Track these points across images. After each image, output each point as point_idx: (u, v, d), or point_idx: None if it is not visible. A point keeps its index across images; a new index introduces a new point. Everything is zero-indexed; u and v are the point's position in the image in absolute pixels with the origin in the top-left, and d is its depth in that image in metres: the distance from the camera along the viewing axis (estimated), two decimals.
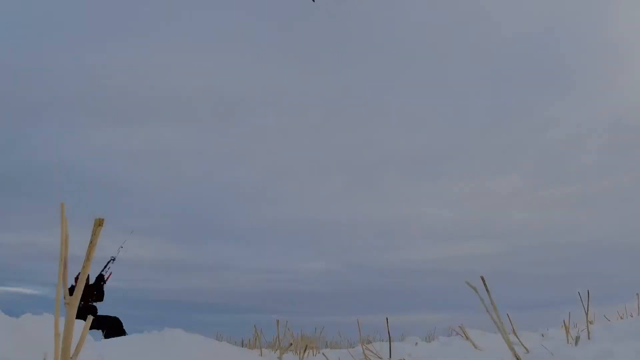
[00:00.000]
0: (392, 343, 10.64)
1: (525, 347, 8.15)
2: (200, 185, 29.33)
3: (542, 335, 11.02)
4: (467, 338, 10.26)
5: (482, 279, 6.25)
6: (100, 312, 9.99)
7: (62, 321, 3.57)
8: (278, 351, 11.24)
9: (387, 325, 10.62)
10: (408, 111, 28.85)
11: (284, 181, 30.06)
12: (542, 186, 29.30)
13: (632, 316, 12.69)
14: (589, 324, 8.84)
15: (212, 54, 26.48)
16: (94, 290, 9.91)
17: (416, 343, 11.28)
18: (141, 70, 26.14)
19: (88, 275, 8.82)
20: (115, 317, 9.99)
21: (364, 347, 10.23)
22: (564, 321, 9.08)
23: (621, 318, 13.32)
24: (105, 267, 10.39)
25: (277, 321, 11.24)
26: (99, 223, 3.52)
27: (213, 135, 29.12)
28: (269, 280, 27.42)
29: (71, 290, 7.70)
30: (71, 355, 3.54)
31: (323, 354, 10.69)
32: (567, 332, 8.84)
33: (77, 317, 9.09)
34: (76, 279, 9.10)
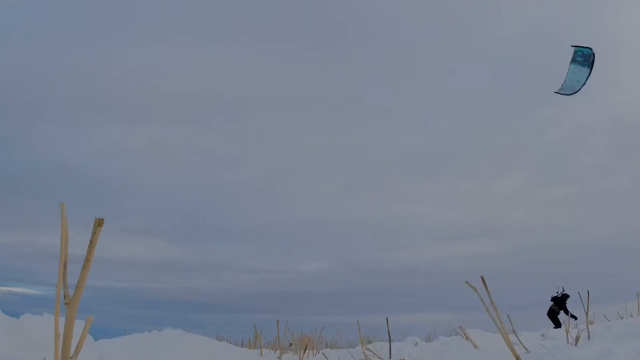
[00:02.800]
0: (392, 343, 10.63)
1: (525, 347, 8.14)
2: (201, 185, 29.32)
3: (542, 335, 11.01)
4: (467, 338, 10.26)
5: (482, 279, 6.25)
6: None
7: (62, 321, 3.58)
8: (278, 351, 11.24)
9: (387, 325, 10.62)
10: (408, 111, 28.83)
11: (285, 181, 30.04)
12: (543, 186, 29.29)
13: (632, 316, 12.69)
14: (589, 324, 8.84)
15: (211, 55, 26.46)
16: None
17: (416, 343, 11.27)
18: (141, 70, 26.12)
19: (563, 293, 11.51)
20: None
21: (364, 347, 10.22)
22: (564, 321, 9.07)
23: (621, 318, 13.31)
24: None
25: (277, 321, 11.25)
26: (99, 223, 3.52)
27: (214, 135, 29.12)
28: (269, 280, 27.40)
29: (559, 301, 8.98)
30: (71, 355, 3.54)
31: (323, 354, 10.68)
32: (567, 332, 8.83)
33: (550, 315, 12.38)
34: None
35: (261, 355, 11.31)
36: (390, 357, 9.91)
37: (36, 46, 24.71)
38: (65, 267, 3.53)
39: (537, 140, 28.25)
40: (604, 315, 14.00)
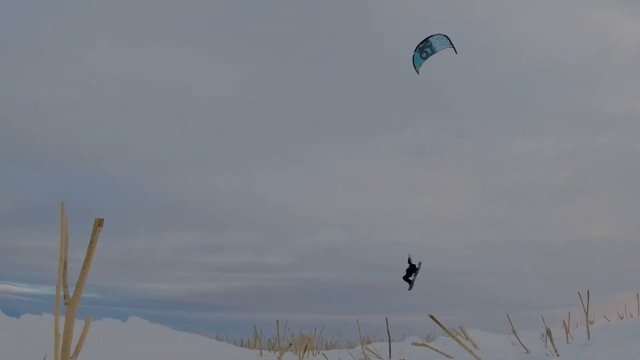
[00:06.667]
0: (392, 343, 10.63)
1: (525, 347, 8.14)
2: (203, 185, 29.33)
3: (542, 335, 11.03)
4: (467, 338, 10.26)
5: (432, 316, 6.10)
6: None
7: (62, 321, 3.57)
8: (278, 351, 11.23)
9: (387, 325, 10.61)
10: None
11: (289, 184, 30.10)
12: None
13: (632, 316, 12.70)
14: (588, 324, 8.83)
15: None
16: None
17: (416, 343, 11.29)
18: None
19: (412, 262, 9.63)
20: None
21: (364, 347, 10.22)
22: (563, 321, 9.07)
23: (621, 318, 13.31)
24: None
25: (277, 321, 11.24)
26: (99, 223, 3.52)
27: (223, 137, 29.13)
28: (269, 280, 27.43)
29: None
30: (71, 355, 3.54)
31: (323, 354, 10.68)
32: (567, 332, 8.83)
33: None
34: None
35: (261, 355, 11.30)
36: (390, 357, 9.91)
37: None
38: (65, 267, 3.53)
39: None
40: (604, 315, 14.02)
